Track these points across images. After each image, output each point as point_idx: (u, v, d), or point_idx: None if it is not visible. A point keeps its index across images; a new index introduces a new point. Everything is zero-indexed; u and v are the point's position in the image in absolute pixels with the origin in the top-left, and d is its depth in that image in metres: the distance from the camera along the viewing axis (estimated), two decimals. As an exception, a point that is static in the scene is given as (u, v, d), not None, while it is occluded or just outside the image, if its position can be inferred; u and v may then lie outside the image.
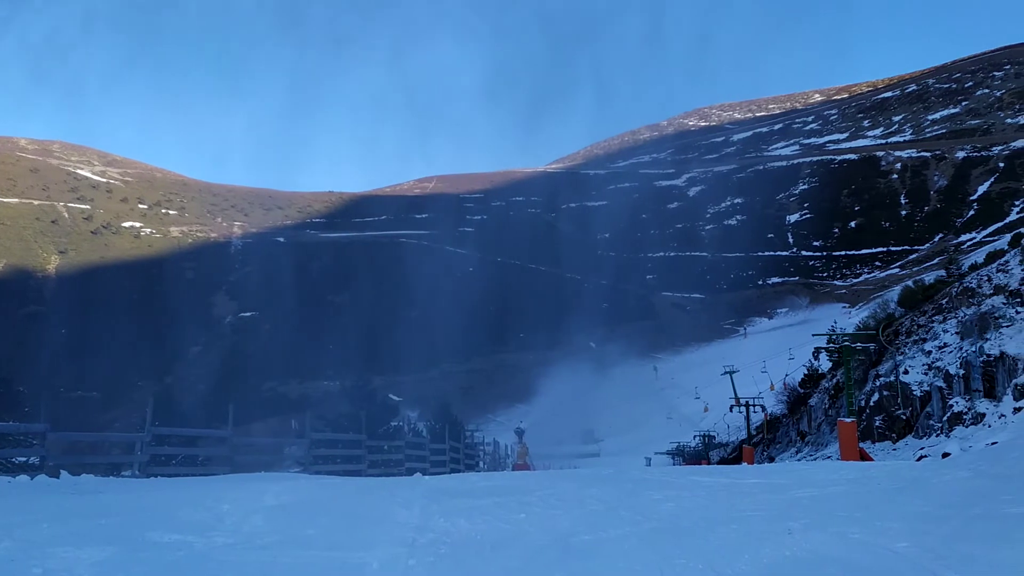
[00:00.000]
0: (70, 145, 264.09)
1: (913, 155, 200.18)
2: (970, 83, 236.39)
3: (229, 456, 18.78)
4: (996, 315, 28.10)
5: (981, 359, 26.99)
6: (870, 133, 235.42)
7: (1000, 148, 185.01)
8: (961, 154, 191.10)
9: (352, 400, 31.52)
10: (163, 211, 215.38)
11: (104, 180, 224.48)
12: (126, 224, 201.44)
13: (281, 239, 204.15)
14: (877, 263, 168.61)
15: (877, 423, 30.81)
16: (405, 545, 8.03)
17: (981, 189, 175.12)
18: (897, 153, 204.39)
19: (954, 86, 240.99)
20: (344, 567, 7.12)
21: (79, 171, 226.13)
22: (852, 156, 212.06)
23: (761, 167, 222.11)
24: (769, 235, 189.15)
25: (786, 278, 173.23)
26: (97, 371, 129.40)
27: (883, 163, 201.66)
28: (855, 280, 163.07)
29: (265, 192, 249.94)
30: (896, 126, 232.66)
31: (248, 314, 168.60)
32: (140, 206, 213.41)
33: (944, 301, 34.40)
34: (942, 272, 51.89)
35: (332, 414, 31.57)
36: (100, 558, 6.98)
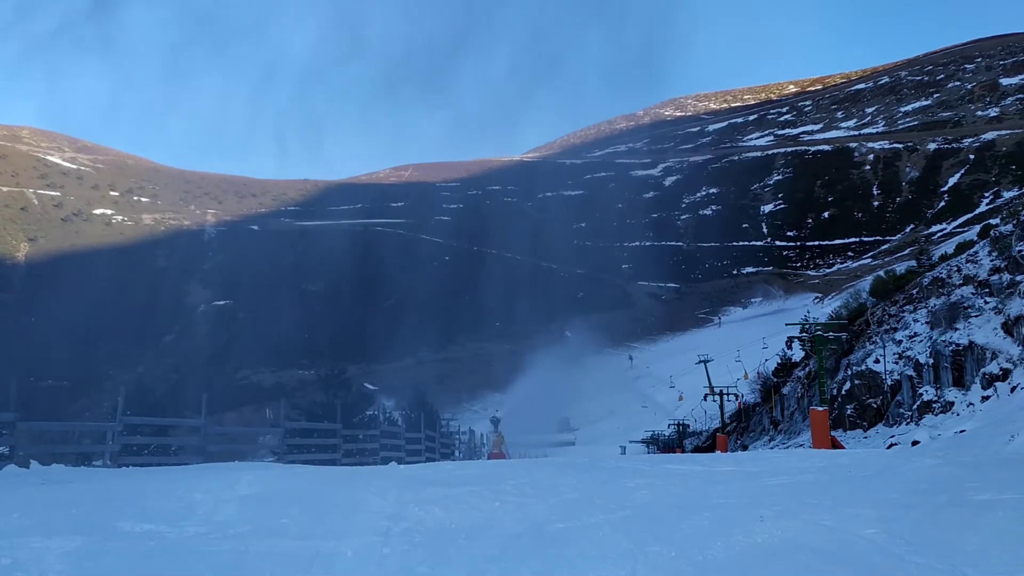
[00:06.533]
0: (40, 131, 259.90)
1: (885, 147, 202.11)
2: (942, 76, 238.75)
3: (202, 445, 18.63)
4: (965, 305, 28.47)
5: (950, 348, 27.36)
6: (843, 124, 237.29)
7: (971, 140, 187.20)
8: (932, 146, 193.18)
9: (327, 389, 31.40)
10: (135, 198, 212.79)
11: (75, 167, 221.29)
12: (97, 211, 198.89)
13: (255, 227, 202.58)
14: (850, 253, 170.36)
15: (848, 411, 31.18)
16: (379, 534, 8.02)
17: (952, 181, 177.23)
18: (870, 145, 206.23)
19: (926, 79, 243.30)
20: (317, 556, 7.10)
21: (49, 157, 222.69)
22: (826, 147, 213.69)
23: (736, 157, 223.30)
24: (744, 225, 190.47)
25: (760, 268, 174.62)
26: (67, 360, 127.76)
27: (856, 154, 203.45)
28: (828, 270, 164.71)
29: (239, 179, 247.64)
30: (869, 118, 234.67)
31: (222, 302, 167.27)
32: (111, 193, 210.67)
33: (915, 291, 34.82)
34: (913, 262, 52.49)
35: (307, 403, 31.46)
36: (70, 548, 6.91)
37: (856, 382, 31.60)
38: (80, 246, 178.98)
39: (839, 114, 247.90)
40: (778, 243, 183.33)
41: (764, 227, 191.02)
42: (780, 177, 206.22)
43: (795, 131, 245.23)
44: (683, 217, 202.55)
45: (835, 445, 24.86)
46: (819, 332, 30.65)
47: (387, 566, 6.90)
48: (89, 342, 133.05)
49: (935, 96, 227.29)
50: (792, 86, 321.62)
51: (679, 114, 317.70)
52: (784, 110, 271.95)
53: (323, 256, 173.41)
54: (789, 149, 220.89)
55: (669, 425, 70.43)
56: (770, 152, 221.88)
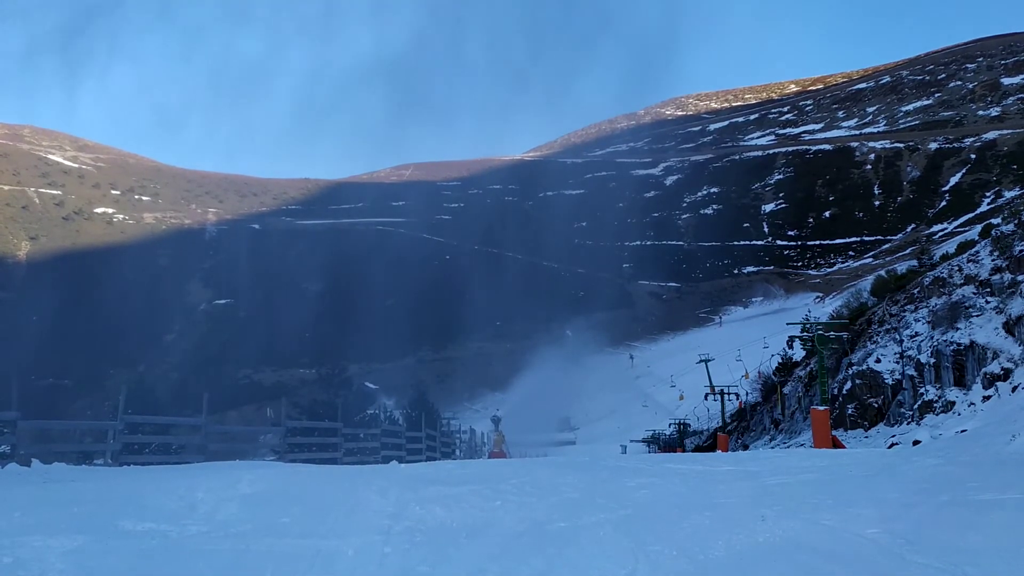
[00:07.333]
0: (41, 130, 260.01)
1: (886, 146, 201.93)
2: (943, 75, 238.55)
3: (203, 444, 18.66)
4: (966, 304, 28.46)
5: (951, 348, 27.36)
6: (844, 124, 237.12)
7: (972, 140, 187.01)
8: (934, 145, 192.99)
9: (328, 388, 31.47)
10: (136, 197, 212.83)
11: (76, 166, 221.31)
12: (98, 210, 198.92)
13: (256, 226, 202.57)
14: (851, 253, 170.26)
15: (849, 411, 31.17)
16: (380, 533, 8.02)
17: (953, 180, 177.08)
18: (871, 144, 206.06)
19: (927, 78, 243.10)
20: (318, 555, 7.10)
21: (50, 156, 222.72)
22: (827, 147, 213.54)
23: (737, 157, 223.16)
24: (745, 224, 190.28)
25: (761, 267, 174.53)
26: (68, 358, 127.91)
27: (857, 154, 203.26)
28: (829, 269, 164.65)
29: (240, 178, 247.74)
30: (870, 117, 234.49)
31: (223, 301, 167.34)
32: (113, 192, 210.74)
33: (916, 291, 34.80)
34: (914, 262, 52.47)
35: (307, 402, 31.52)
36: (72, 547, 6.91)
37: (857, 381, 31.59)
38: (81, 245, 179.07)
39: (840, 113, 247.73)
40: (779, 242, 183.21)
41: (765, 226, 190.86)
42: (781, 176, 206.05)
43: (796, 130, 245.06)
44: (684, 216, 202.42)
45: (836, 445, 24.86)
46: (820, 331, 30.65)
47: (388, 565, 6.91)
48: (90, 341, 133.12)
49: (936, 96, 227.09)
50: (793, 85, 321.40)
51: (680, 113, 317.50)
52: (785, 109, 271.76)
53: (324, 255, 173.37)
54: (790, 148, 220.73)
55: (670, 424, 70.39)
56: (771, 151, 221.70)
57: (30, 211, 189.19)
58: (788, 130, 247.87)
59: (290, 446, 21.92)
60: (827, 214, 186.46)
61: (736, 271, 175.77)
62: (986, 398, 24.75)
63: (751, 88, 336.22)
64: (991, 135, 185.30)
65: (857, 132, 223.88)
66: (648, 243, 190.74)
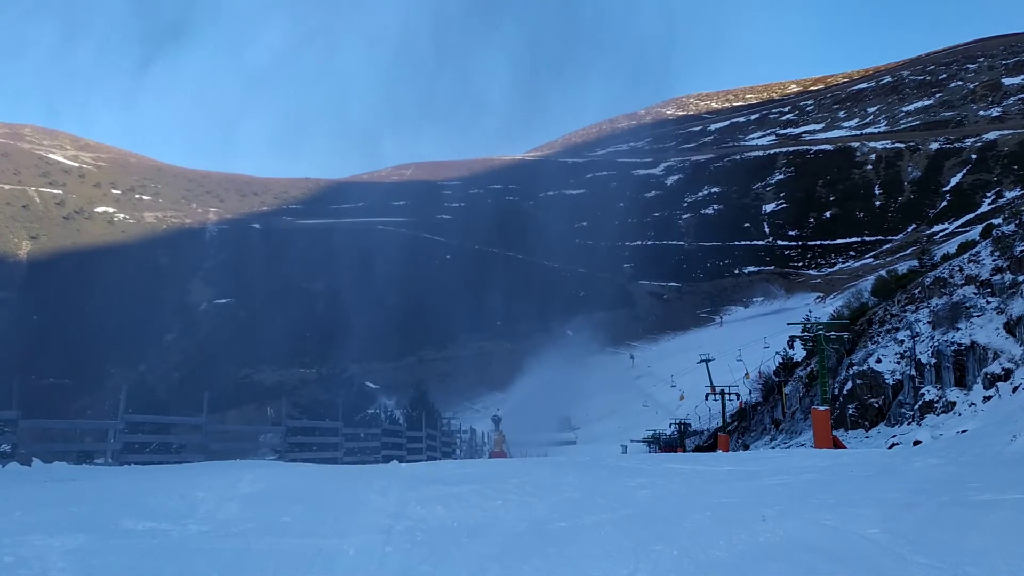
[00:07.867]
0: (42, 129, 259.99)
1: (887, 146, 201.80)
2: (944, 75, 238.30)
3: (203, 443, 18.65)
4: (967, 305, 28.46)
5: (952, 348, 27.34)
6: (845, 124, 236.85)
7: (973, 140, 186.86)
8: (934, 146, 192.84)
9: (328, 387, 31.44)
10: (137, 196, 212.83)
11: (76, 165, 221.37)
12: (99, 209, 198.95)
13: (257, 225, 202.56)
14: (851, 253, 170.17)
15: (850, 411, 31.17)
16: (381, 532, 8.02)
17: (954, 180, 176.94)
18: (872, 144, 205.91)
19: (928, 78, 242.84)
20: (320, 554, 7.10)
21: (51, 155, 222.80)
22: (827, 147, 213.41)
23: (738, 157, 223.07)
24: (745, 224, 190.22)
25: (762, 267, 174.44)
26: (69, 358, 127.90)
27: (858, 154, 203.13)
28: (830, 270, 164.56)
29: (240, 178, 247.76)
30: (871, 117, 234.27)
31: (223, 301, 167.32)
32: (113, 191, 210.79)
33: (917, 291, 34.79)
34: (915, 262, 52.48)
35: (308, 401, 31.53)
36: (73, 546, 6.91)
37: (858, 382, 31.59)
38: (82, 244, 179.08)
39: (841, 113, 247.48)
40: (780, 242, 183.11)
41: (766, 226, 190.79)
42: (782, 176, 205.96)
43: (797, 130, 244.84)
44: (685, 216, 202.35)
45: (837, 445, 24.85)
46: (821, 332, 30.65)
47: (389, 564, 6.90)
48: (91, 340, 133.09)
49: (937, 96, 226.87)
50: (794, 85, 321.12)
51: (681, 113, 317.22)
52: (786, 109, 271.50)
53: (324, 254, 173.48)
54: (791, 148, 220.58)
55: (670, 424, 70.38)
56: (772, 151, 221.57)
57: (31, 210, 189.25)
58: (789, 130, 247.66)
59: (291, 445, 21.91)
60: (828, 214, 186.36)
61: (737, 271, 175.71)
62: (987, 398, 24.75)
63: (752, 88, 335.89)
64: (992, 135, 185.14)
65: (858, 132, 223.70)
66: (648, 243, 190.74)
